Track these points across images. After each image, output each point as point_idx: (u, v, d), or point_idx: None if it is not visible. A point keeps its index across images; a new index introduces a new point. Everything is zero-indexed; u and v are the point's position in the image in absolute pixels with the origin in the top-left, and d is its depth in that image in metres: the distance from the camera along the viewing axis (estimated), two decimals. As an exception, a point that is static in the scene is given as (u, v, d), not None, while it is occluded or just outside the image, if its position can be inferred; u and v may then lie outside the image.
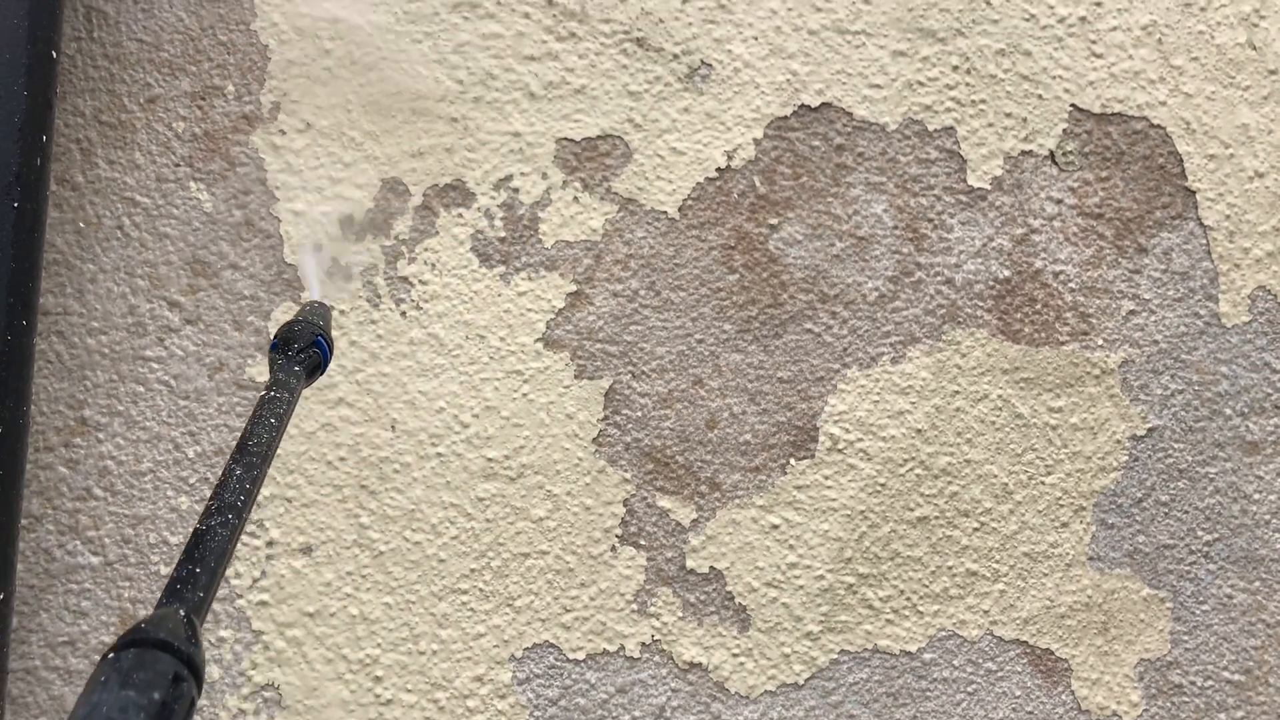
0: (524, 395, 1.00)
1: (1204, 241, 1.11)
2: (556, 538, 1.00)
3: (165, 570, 0.96)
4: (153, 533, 0.96)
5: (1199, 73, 1.14)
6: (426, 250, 1.00)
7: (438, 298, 1.00)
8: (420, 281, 1.00)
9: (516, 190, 1.02)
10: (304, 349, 0.61)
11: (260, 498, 0.96)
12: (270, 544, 0.97)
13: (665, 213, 1.04)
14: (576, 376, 1.01)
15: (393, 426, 0.98)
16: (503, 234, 1.01)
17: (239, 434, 0.54)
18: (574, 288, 1.02)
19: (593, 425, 1.01)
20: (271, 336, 0.63)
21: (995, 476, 1.05)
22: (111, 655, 0.36)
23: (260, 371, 0.98)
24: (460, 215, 1.01)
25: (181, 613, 0.40)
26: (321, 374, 0.64)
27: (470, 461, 0.99)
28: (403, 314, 1.00)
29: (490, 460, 0.99)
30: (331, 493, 0.97)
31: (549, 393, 1.00)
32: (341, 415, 0.98)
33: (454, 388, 0.99)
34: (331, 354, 0.64)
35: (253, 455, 0.50)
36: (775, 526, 1.02)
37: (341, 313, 0.99)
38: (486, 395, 1.00)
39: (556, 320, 1.01)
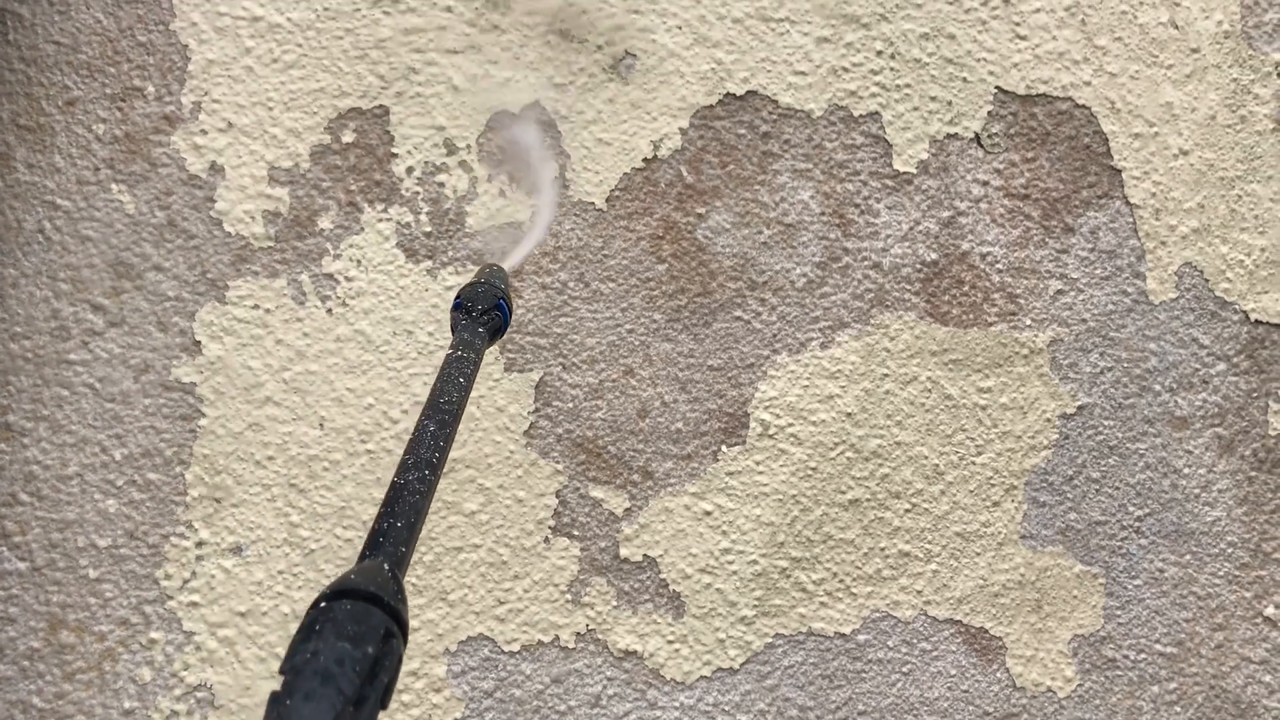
0: (453, 389, 1.00)
1: (1130, 220, 1.12)
2: (489, 531, 1.00)
3: (94, 574, 0.96)
4: (80, 536, 0.95)
5: (1122, 52, 1.15)
6: (352, 247, 1.00)
7: (364, 294, 1.00)
8: (346, 278, 1.00)
9: (442, 185, 1.02)
10: (487, 310, 0.63)
11: (188, 498, 0.97)
12: (200, 544, 0.97)
13: (593, 204, 1.04)
14: (506, 369, 1.01)
15: (321, 424, 0.98)
16: (429, 228, 1.01)
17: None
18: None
19: (524, 418, 1.01)
20: (454, 296, 0.64)
21: (926, 458, 1.06)
22: (324, 604, 0.36)
23: (186, 372, 0.98)
24: (385, 211, 1.01)
25: (386, 566, 0.40)
26: (502, 336, 0.65)
27: (399, 458, 0.99)
28: (329, 311, 1.00)
29: (420, 455, 0.99)
30: (260, 492, 0.97)
31: (479, 387, 1.01)
32: (269, 414, 0.98)
33: (382, 384, 0.99)
34: (511, 316, 0.65)
35: (444, 413, 0.51)
36: (708, 513, 1.03)
37: (267, 311, 0.99)
38: (415, 390, 1.00)
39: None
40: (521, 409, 1.01)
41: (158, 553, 0.96)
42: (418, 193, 1.01)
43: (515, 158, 1.02)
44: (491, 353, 1.01)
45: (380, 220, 1.01)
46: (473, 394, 1.00)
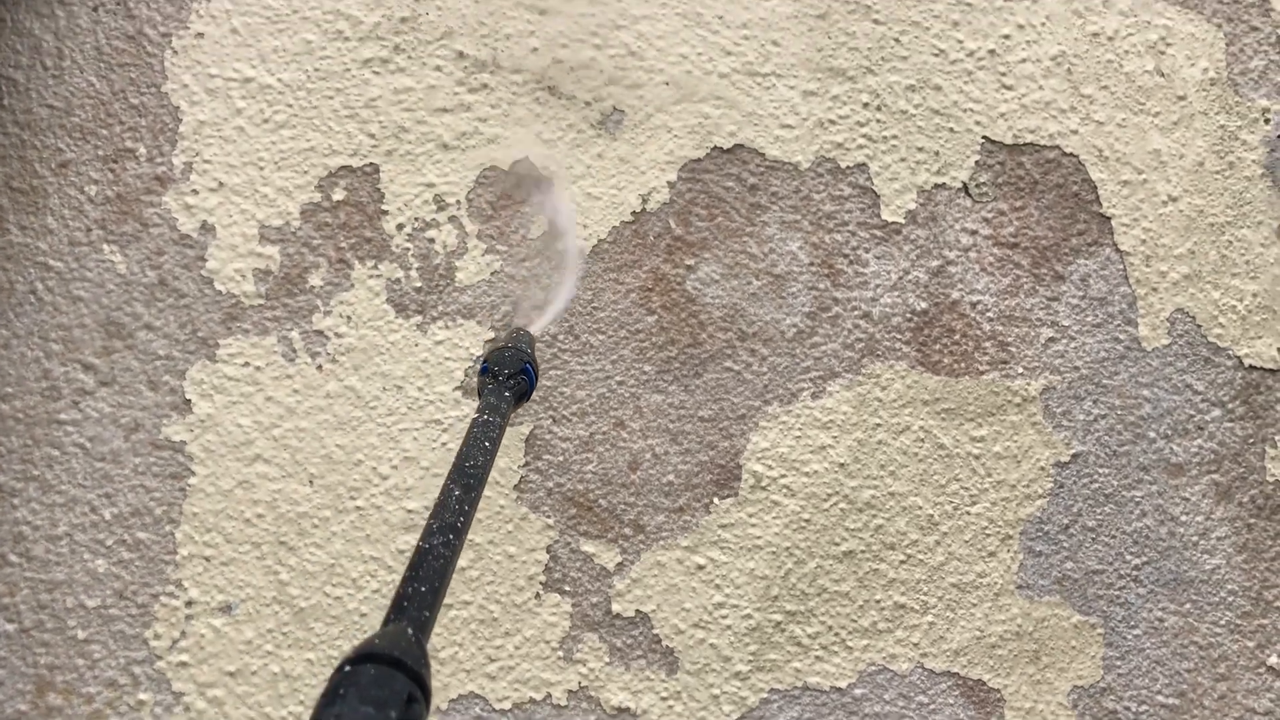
0: (443, 445, 1.00)
1: (1121, 267, 1.12)
2: (479, 587, 1.00)
3: (83, 635, 0.95)
4: (69, 597, 0.95)
5: (1109, 101, 1.15)
6: (342, 303, 1.01)
7: (354, 350, 1.00)
8: (336, 334, 1.00)
9: (432, 240, 1.03)
10: (514, 374, 0.64)
11: (177, 557, 0.96)
12: (189, 604, 0.96)
13: (583, 258, 1.05)
14: (496, 424, 1.01)
15: (311, 481, 0.98)
16: (419, 284, 1.02)
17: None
18: (491, 334, 1.02)
19: (514, 472, 1.01)
20: (480, 360, 0.65)
21: (920, 508, 1.06)
22: (348, 669, 0.37)
23: (176, 430, 0.98)
24: (375, 267, 1.02)
25: (410, 631, 0.41)
26: (527, 400, 0.65)
27: (390, 514, 0.99)
28: (319, 368, 1.00)
29: (410, 512, 0.99)
30: (250, 550, 0.97)
31: (468, 441, 1.00)
32: (259, 471, 0.98)
33: (372, 440, 0.99)
34: (537, 379, 0.66)
35: (469, 477, 0.52)
36: (701, 567, 1.02)
37: (257, 369, 0.99)
38: (405, 446, 1.00)
39: (475, 368, 1.01)
40: (511, 463, 1.01)
41: (147, 612, 0.96)
42: (408, 249, 1.02)
43: (543, 224, 1.03)
44: (473, 408, 1.01)
45: (371, 277, 1.01)
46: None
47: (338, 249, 1.01)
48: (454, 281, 1.02)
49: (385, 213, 1.02)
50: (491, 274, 1.03)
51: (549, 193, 1.04)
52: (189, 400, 0.98)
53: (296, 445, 0.98)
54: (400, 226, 1.02)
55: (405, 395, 1.00)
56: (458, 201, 1.03)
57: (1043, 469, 1.08)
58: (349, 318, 1.00)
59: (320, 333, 1.00)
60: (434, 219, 1.03)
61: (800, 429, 1.05)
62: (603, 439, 1.03)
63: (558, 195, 1.04)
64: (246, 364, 0.99)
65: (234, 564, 0.97)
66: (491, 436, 0.56)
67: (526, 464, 1.01)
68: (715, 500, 1.03)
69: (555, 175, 1.05)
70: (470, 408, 1.01)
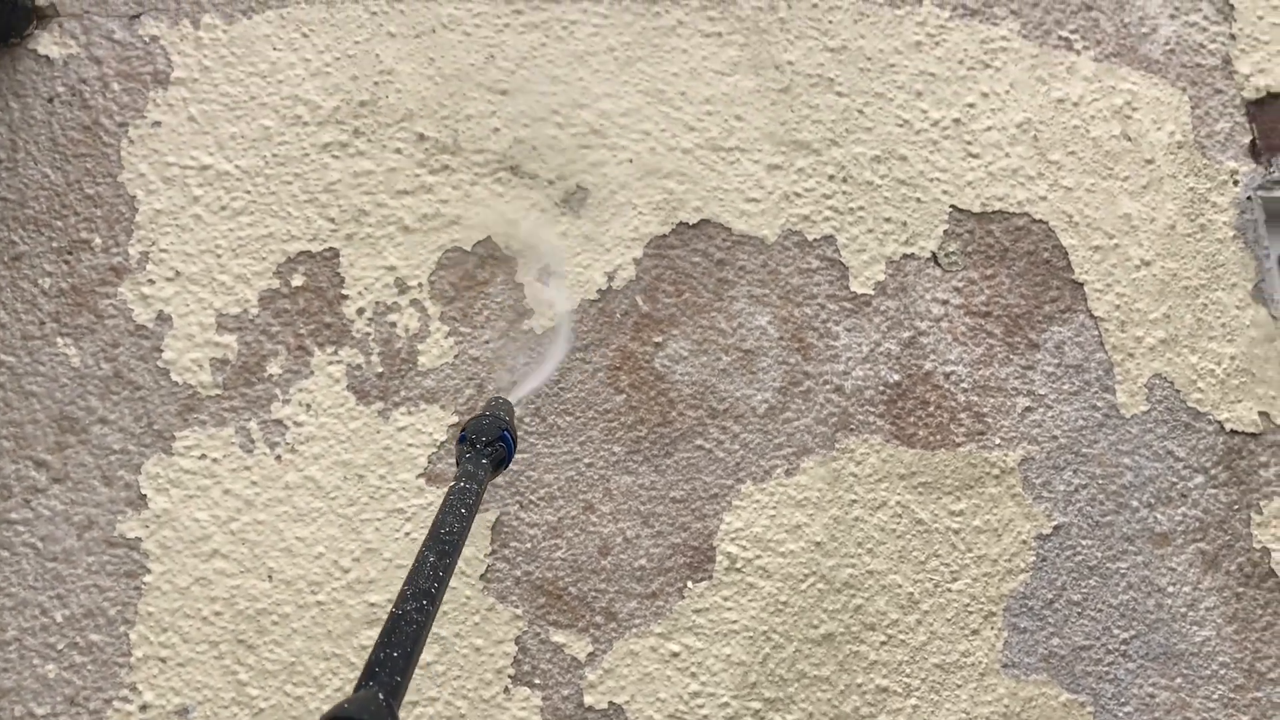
0: (406, 535, 0.97)
1: (1096, 333, 1.11)
2: (445, 682, 0.96)
3: (31, 744, 0.91)
4: (18, 705, 0.92)
5: (1077, 166, 1.15)
6: (302, 391, 0.99)
7: (314, 439, 0.98)
8: (295, 424, 0.98)
9: (393, 324, 1.01)
10: (491, 443, 0.64)
11: (132, 659, 0.93)
12: (144, 708, 0.93)
13: (566, 337, 1.03)
14: (461, 511, 0.99)
15: (270, 576, 0.95)
16: (380, 369, 1.00)
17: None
18: (455, 419, 1.00)
19: (480, 561, 0.98)
20: (460, 429, 0.67)
21: (900, 586, 1.03)
22: None
23: (131, 527, 0.95)
24: (336, 353, 1.00)
25: (380, 696, 0.40)
26: (505, 468, 0.66)
27: (352, 608, 0.96)
28: (278, 458, 0.97)
29: (373, 605, 0.96)
30: (207, 649, 0.94)
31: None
32: (216, 568, 0.95)
33: (333, 531, 0.97)
34: (515, 447, 0.66)
35: (444, 543, 0.53)
36: (675, 654, 0.99)
37: (214, 461, 0.97)
38: (367, 537, 0.97)
39: (438, 454, 0.99)
40: (478, 552, 0.98)
41: (100, 719, 0.92)
42: (369, 333, 1.00)
43: (538, 299, 1.02)
44: (438, 496, 0.98)
45: (331, 363, 0.99)
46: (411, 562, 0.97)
47: (297, 335, 0.99)
48: (416, 365, 1.00)
49: (345, 297, 1.01)
50: (455, 357, 1.01)
51: (545, 280, 1.03)
52: (144, 495, 0.95)
53: (255, 539, 0.96)
54: (361, 311, 1.00)
55: (367, 484, 0.98)
56: (419, 284, 1.02)
57: (1024, 542, 1.06)
58: (309, 406, 0.98)
59: (279, 422, 0.98)
60: (395, 302, 1.01)
61: (774, 507, 1.03)
62: (572, 523, 1.00)
63: (550, 280, 1.03)
64: (203, 456, 0.96)
65: (191, 665, 0.93)
66: (468, 503, 0.57)
67: (493, 552, 0.98)
68: (689, 584, 1.00)
69: (521, 254, 1.03)
70: (435, 496, 0.98)
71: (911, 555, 1.04)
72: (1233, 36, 1.21)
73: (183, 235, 1.00)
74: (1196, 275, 1.14)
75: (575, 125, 1.07)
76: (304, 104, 1.04)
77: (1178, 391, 1.11)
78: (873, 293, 1.08)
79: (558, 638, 0.98)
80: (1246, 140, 1.19)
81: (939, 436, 1.06)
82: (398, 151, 1.04)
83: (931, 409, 1.07)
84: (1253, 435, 1.11)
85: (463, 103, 1.06)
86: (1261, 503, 1.09)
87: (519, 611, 0.98)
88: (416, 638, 0.46)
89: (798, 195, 1.09)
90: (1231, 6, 1.22)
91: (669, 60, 1.10)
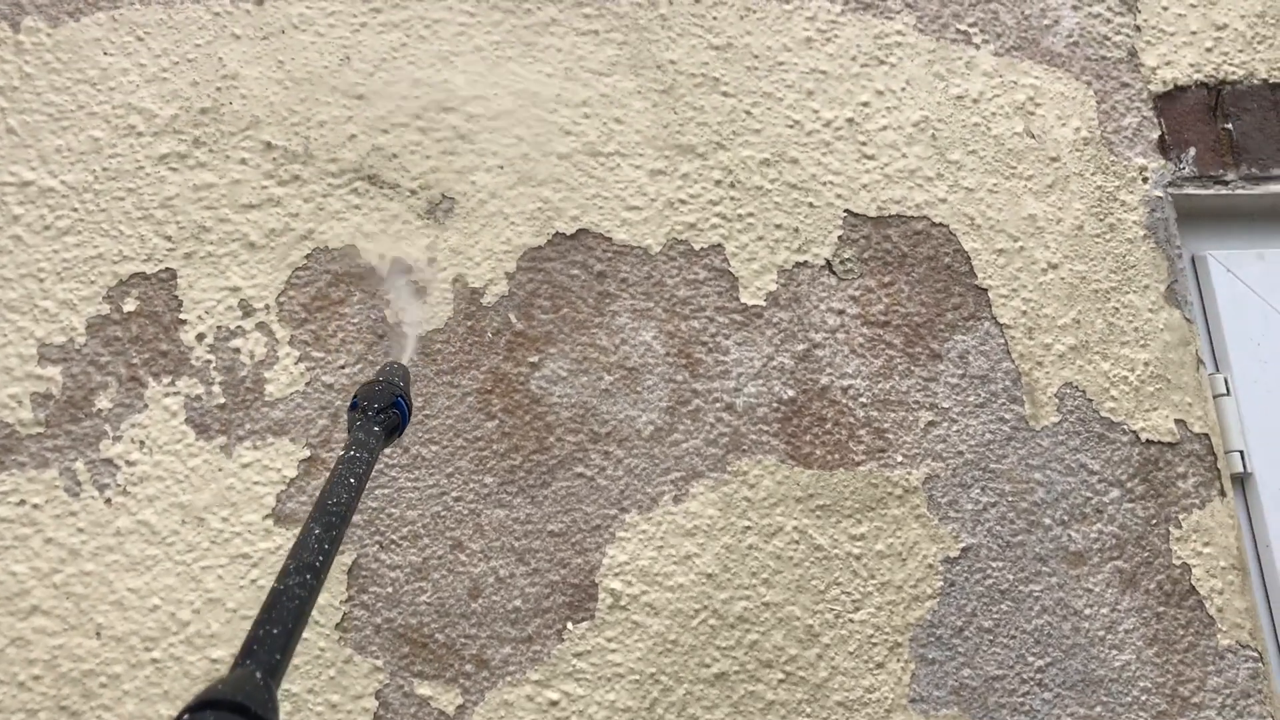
0: (252, 582, 0.88)
1: (1002, 341, 1.05)
2: (297, 743, 0.87)
3: None
4: None
5: (978, 166, 1.09)
6: (134, 426, 0.90)
7: (148, 479, 0.89)
8: (127, 462, 0.89)
9: (237, 351, 0.92)
10: (384, 409, 0.61)
11: (-64, 734, 0.83)
12: (-49, 788, 0.83)
13: (410, 359, 0.95)
14: (315, 553, 0.90)
15: (98, 633, 0.86)
16: (222, 400, 0.91)
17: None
18: (307, 453, 0.91)
19: (335, 609, 0.89)
20: (352, 395, 0.64)
21: (798, 619, 0.96)
22: (188, 716, 0.36)
23: (-63, 584, 0.85)
24: (173, 384, 0.91)
25: (258, 675, 0.39)
26: (399, 436, 0.63)
27: (191, 665, 0.87)
28: (107, 501, 0.88)
29: (214, 661, 0.87)
30: (24, 719, 0.84)
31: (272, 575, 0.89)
32: (36, 626, 0.85)
33: (170, 580, 0.88)
34: (410, 415, 0.64)
35: (331, 515, 0.50)
36: (554, 703, 0.91)
37: (35, 507, 0.87)
38: (209, 586, 0.88)
39: (289, 492, 0.90)
40: (332, 599, 0.89)
41: (-99, 801, 0.82)
42: (209, 361, 0.91)
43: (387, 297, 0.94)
44: (295, 536, 0.89)
45: (167, 395, 0.90)
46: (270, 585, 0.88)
47: (129, 365, 0.90)
48: (263, 395, 0.92)
49: (183, 322, 0.92)
50: (306, 384, 0.92)
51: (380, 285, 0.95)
52: (-47, 547, 0.86)
53: (81, 592, 0.86)
54: (201, 337, 0.92)
55: (208, 528, 0.89)
56: (267, 306, 0.93)
57: (931, 566, 0.99)
58: (142, 443, 0.89)
59: (109, 461, 0.89)
60: (239, 326, 0.92)
61: (662, 538, 0.95)
62: (438, 564, 0.92)
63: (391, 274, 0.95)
64: (22, 502, 0.87)
65: (6, 736, 0.84)
66: (357, 473, 0.54)
67: (350, 598, 0.90)
68: (569, 625, 0.92)
69: (379, 270, 0.95)
70: (284, 538, 0.89)
71: (810, 584, 0.96)
72: (1138, 28, 1.16)
73: (1, 259, 0.90)
74: (1107, 277, 1.09)
75: (440, 130, 0.99)
76: (138, 113, 0.95)
77: (1090, 401, 1.05)
78: (764, 304, 1.01)
79: (423, 690, 0.89)
80: (1155, 135, 1.14)
81: (837, 455, 0.99)
82: (242, 162, 0.95)
83: (829, 426, 1.00)
84: (1169, 445, 1.05)
85: (315, 108, 0.98)
86: (1180, 516, 1.04)
87: (379, 663, 0.89)
88: (299, 614, 0.44)
89: (682, 202, 1.02)
90: (1136, -2, 1.17)
91: (542, 60, 1.03)
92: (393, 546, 0.91)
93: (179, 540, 0.88)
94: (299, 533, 0.48)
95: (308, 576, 0.46)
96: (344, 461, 0.55)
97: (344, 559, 0.90)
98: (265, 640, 0.42)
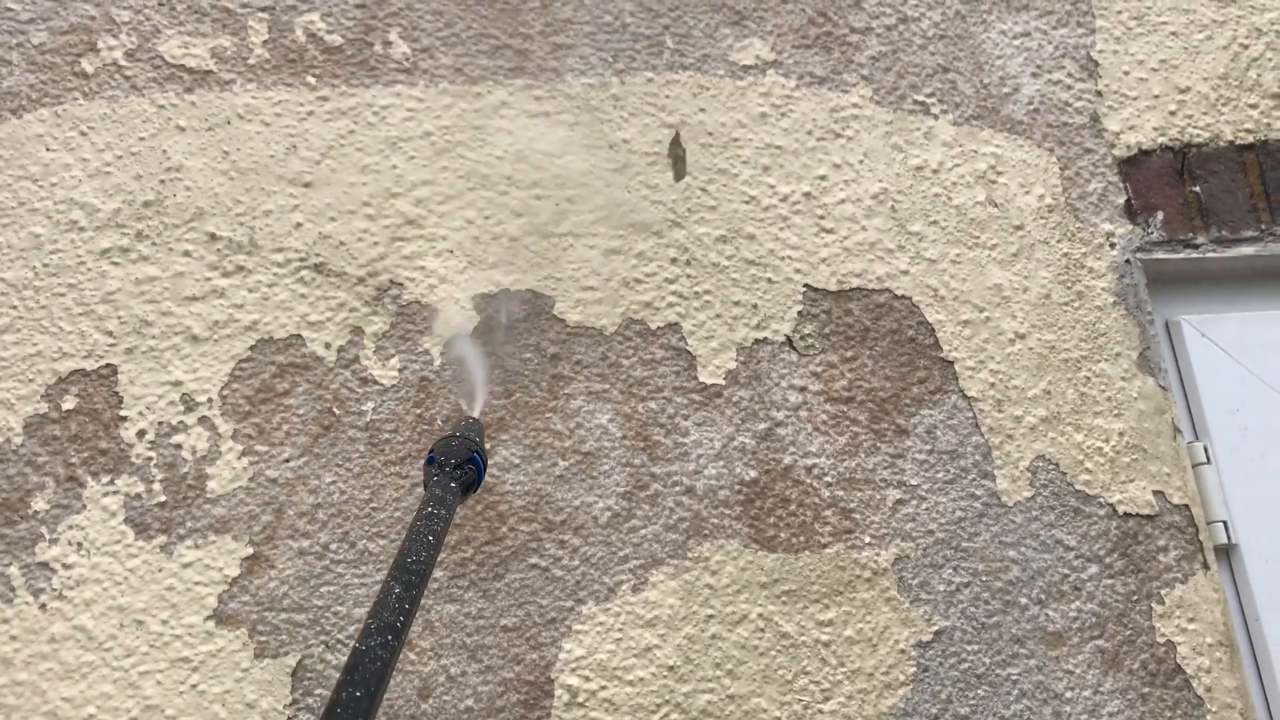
0: (193, 687, 0.85)
1: (970, 414, 1.02)
2: None
3: None
4: None
5: (940, 236, 1.07)
6: (72, 528, 0.87)
7: (85, 582, 0.86)
8: (64, 565, 0.86)
9: (179, 446, 0.90)
10: (460, 464, 0.62)
11: None
12: None
13: (358, 450, 0.92)
14: (257, 656, 0.87)
15: (28, 746, 0.83)
16: (162, 498, 0.89)
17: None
18: (250, 551, 0.88)
19: (279, 713, 0.86)
20: (427, 450, 0.65)
21: (765, 711, 0.92)
22: None
23: None
24: (112, 482, 0.88)
25: None
26: (475, 491, 0.64)
27: (126, 778, 0.83)
28: (42, 606, 0.85)
29: (150, 773, 0.83)
30: (-51, 841, 0.80)
31: (224, 680, 0.86)
32: (-36, 741, 0.82)
33: (106, 688, 0.84)
34: (485, 470, 0.64)
35: (411, 573, 0.50)
36: (509, 808, 0.87)
37: (-34, 615, 0.84)
38: (147, 693, 0.85)
39: (230, 591, 0.87)
40: (276, 702, 0.86)
41: None
42: (150, 459, 0.89)
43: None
44: (238, 637, 0.86)
45: (106, 494, 0.88)
46: (215, 690, 0.85)
47: (68, 465, 0.88)
48: (204, 492, 0.89)
49: (124, 419, 0.90)
50: (250, 479, 0.90)
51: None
52: (-119, 660, 0.83)
53: (13, 703, 0.83)
54: (141, 433, 0.90)
55: (147, 631, 0.86)
56: (209, 399, 0.91)
57: (903, 651, 0.95)
58: (80, 545, 0.87)
59: (45, 565, 0.86)
60: (181, 421, 0.90)
61: (620, 629, 0.92)
62: (386, 662, 0.88)
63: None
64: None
65: None
66: (436, 530, 0.55)
67: (294, 702, 0.86)
68: (523, 724, 0.89)
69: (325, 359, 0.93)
70: (226, 640, 0.86)
71: (777, 674, 0.93)
72: (1099, 93, 1.15)
73: (-63, 358, 0.89)
74: (1076, 346, 1.06)
75: (388, 216, 0.98)
76: (80, 208, 0.94)
77: (1064, 474, 1.02)
78: (723, 382, 0.99)
79: (370, 798, 0.85)
80: (1121, 200, 1.12)
81: (802, 538, 0.96)
82: (186, 254, 0.94)
83: (793, 507, 0.97)
84: (1148, 517, 1.02)
85: (260, 198, 0.97)
86: (1163, 591, 1.00)
87: (325, 770, 0.85)
88: (381, 676, 0.43)
89: (638, 281, 1.00)
90: (1096, 63, 1.16)
91: (492, 142, 1.02)
92: (339, 646, 0.88)
93: (116, 645, 0.85)
94: (378, 592, 0.48)
95: (389, 637, 0.46)
96: (422, 518, 0.56)
97: (288, 661, 0.87)
98: (349, 704, 0.41)
